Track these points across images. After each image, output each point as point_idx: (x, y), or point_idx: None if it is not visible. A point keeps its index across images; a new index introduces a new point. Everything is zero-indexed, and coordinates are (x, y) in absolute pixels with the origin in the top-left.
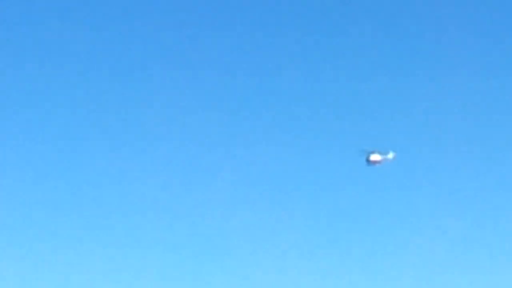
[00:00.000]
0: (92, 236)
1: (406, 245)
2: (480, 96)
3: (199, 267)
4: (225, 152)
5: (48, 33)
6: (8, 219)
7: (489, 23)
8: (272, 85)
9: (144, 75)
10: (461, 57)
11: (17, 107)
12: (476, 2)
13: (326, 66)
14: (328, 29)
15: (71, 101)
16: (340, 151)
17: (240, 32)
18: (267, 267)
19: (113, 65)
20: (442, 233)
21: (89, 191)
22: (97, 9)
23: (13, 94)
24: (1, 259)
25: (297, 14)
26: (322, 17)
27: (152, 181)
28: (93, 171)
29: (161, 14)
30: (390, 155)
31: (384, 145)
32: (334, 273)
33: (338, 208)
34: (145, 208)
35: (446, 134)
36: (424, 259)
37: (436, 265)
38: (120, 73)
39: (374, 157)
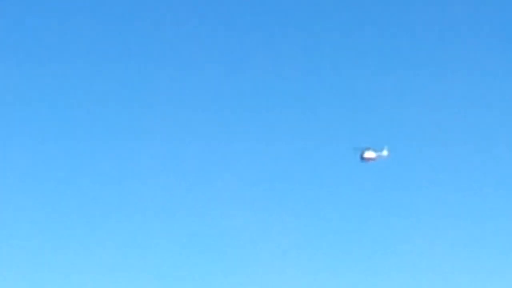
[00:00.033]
0: (92, 236)
1: (401, 242)
2: (475, 93)
3: (199, 267)
4: (222, 148)
5: (47, 33)
6: (8, 219)
7: (488, 22)
8: (267, 83)
9: (144, 75)
10: (456, 55)
11: (17, 107)
12: (476, 2)
13: (320, 64)
14: (323, 27)
15: (71, 101)
16: (334, 148)
17: (239, 31)
18: (260, 262)
19: (113, 64)
20: (437, 231)
21: (88, 191)
22: (97, 8)
23: (13, 94)
24: (1, 259)
25: (294, 12)
26: (318, 15)
27: (151, 181)
28: (92, 171)
29: (161, 13)
30: (384, 152)
31: (378, 142)
32: (328, 271)
33: (332, 205)
34: (145, 208)
35: (440, 131)
36: (418, 257)
37: (430, 263)
38: (120, 73)
39: (368, 154)
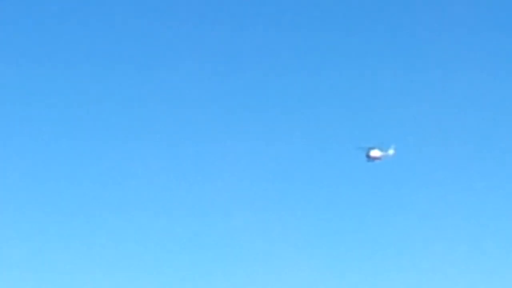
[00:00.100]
0: (92, 236)
1: (406, 242)
2: (481, 92)
3: (199, 267)
4: (224, 148)
5: (47, 33)
6: (8, 219)
7: (490, 21)
8: (272, 82)
9: (144, 75)
10: (461, 54)
11: (17, 107)
12: (476, 1)
13: (325, 62)
14: (328, 26)
15: (71, 101)
16: (340, 147)
17: (239, 31)
18: (265, 262)
19: (113, 64)
20: (443, 230)
21: (88, 191)
22: (97, 8)
23: (13, 94)
24: (1, 259)
25: (296, 11)
26: (320, 14)
27: (151, 181)
28: (92, 171)
29: (160, 13)
30: (391, 151)
31: (384, 141)
32: (333, 270)
33: (338, 204)
34: (145, 208)
35: (447, 130)
36: (424, 256)
37: (436, 262)
38: (120, 73)
39: (374, 153)
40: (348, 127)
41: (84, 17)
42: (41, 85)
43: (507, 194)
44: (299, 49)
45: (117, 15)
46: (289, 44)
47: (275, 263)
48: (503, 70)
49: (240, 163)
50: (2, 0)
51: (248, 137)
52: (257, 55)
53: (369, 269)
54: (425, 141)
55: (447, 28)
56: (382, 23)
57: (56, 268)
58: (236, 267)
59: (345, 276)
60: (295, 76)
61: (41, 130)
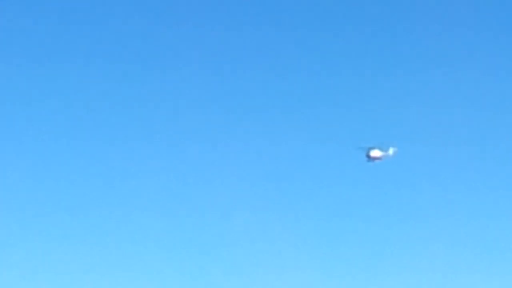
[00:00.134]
0: (92, 236)
1: (407, 243)
2: (482, 92)
3: (199, 267)
4: (223, 148)
5: (47, 33)
6: (8, 219)
7: (490, 20)
8: (272, 82)
9: (144, 75)
10: (463, 54)
11: (17, 107)
12: (476, 1)
13: (325, 62)
14: (328, 26)
15: (71, 101)
16: (340, 147)
17: (240, 31)
18: (264, 265)
19: (113, 65)
20: (444, 231)
21: (88, 191)
22: (97, 8)
23: (13, 94)
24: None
25: (296, 11)
26: (320, 14)
27: (152, 181)
28: (92, 171)
29: (160, 13)
30: (391, 151)
31: (384, 141)
32: (334, 270)
33: (338, 204)
34: (145, 208)
35: (448, 130)
36: (425, 258)
37: (438, 262)
38: (120, 73)
39: (375, 153)
40: (348, 127)
41: (84, 17)
42: (41, 85)
43: (509, 194)
44: (299, 49)
45: (117, 15)
46: (289, 44)
47: (275, 263)
48: (503, 70)
49: (240, 163)
50: (2, 0)
51: (248, 137)
52: (257, 55)
53: (370, 270)
54: (426, 141)
55: (448, 28)
56: (382, 23)
57: (56, 268)
58: (236, 267)
59: (346, 277)
60: (295, 76)
61: (41, 130)
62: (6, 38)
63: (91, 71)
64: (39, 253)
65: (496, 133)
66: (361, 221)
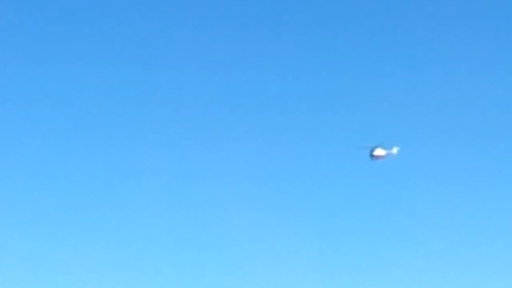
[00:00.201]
0: (92, 236)
1: (410, 240)
2: (482, 92)
3: (199, 267)
4: (226, 149)
5: (47, 33)
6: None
7: (490, 20)
8: (273, 82)
9: (144, 75)
10: (465, 54)
11: (17, 107)
12: (476, 1)
13: (328, 61)
14: (330, 26)
15: (71, 101)
16: (343, 146)
17: (241, 31)
18: (266, 262)
19: (113, 65)
20: (446, 229)
21: (88, 191)
22: (97, 8)
23: (13, 94)
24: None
25: (296, 11)
26: (321, 14)
27: (152, 181)
28: (92, 171)
29: (160, 13)
30: (394, 150)
31: (388, 140)
32: (336, 269)
33: (341, 203)
34: (145, 207)
35: (450, 129)
36: (428, 255)
37: (440, 261)
38: (120, 73)
39: (378, 151)
40: (352, 126)
41: (84, 17)
42: (41, 85)
43: (511, 194)
44: (300, 49)
45: (117, 15)
46: (290, 44)
47: (276, 263)
48: (503, 70)
49: (241, 163)
50: (2, 0)
51: (250, 137)
52: (257, 55)
53: (373, 269)
54: (429, 140)
55: (450, 29)
56: (384, 23)
57: (56, 268)
58: (236, 267)
59: (348, 276)
60: (298, 75)
61: (41, 130)
62: (6, 38)
63: (91, 71)
64: (39, 253)
65: (499, 133)
66: (364, 219)
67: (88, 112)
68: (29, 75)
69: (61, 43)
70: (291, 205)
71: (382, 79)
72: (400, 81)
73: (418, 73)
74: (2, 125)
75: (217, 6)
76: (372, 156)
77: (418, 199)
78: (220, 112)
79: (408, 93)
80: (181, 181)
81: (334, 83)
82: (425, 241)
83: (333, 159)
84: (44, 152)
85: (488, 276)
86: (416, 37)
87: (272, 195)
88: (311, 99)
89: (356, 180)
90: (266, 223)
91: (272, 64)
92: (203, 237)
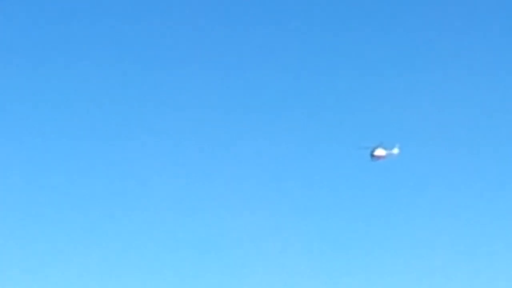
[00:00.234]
0: (92, 236)
1: (410, 241)
2: (484, 92)
3: (199, 267)
4: (226, 149)
5: (47, 33)
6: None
7: (490, 20)
8: (274, 82)
9: (144, 75)
10: (466, 54)
11: (17, 107)
12: (476, 1)
13: (328, 61)
14: (330, 26)
15: (71, 101)
16: (344, 146)
17: (241, 31)
18: (269, 263)
19: (113, 64)
20: (447, 230)
21: (89, 191)
22: (97, 8)
23: (13, 94)
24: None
25: (296, 11)
26: (321, 14)
27: (152, 181)
28: (92, 171)
29: (160, 13)
30: (395, 150)
31: (388, 140)
32: (337, 270)
33: (341, 203)
34: (145, 207)
35: (451, 129)
36: (428, 255)
37: (440, 261)
38: (120, 73)
39: (379, 152)
40: (352, 126)
41: (84, 17)
42: (41, 85)
43: (511, 194)
44: (300, 49)
45: (117, 15)
46: (290, 44)
47: (276, 264)
48: (503, 70)
49: (241, 163)
50: (2, 0)
51: (250, 137)
52: (257, 55)
53: (373, 269)
54: (429, 140)
55: (451, 29)
56: (385, 23)
57: (56, 268)
58: (236, 267)
59: (348, 276)
60: (298, 75)
61: (41, 130)
62: (6, 38)
63: (91, 71)
64: (39, 253)
65: (499, 133)
66: (365, 219)
67: (88, 112)
68: (29, 75)
69: (61, 43)
70: (292, 206)
71: (383, 79)
72: (400, 81)
73: (418, 73)
74: (2, 125)
75: (217, 6)
76: (372, 156)
77: (418, 200)
78: (220, 112)
79: (408, 93)
80: (181, 181)
81: (334, 83)
82: (426, 241)
83: (333, 159)
84: (44, 152)
85: (488, 276)
86: (416, 37)
87: (272, 195)
88: (311, 99)
89: (356, 180)
90: (266, 223)
91: (272, 64)
92: (203, 237)
